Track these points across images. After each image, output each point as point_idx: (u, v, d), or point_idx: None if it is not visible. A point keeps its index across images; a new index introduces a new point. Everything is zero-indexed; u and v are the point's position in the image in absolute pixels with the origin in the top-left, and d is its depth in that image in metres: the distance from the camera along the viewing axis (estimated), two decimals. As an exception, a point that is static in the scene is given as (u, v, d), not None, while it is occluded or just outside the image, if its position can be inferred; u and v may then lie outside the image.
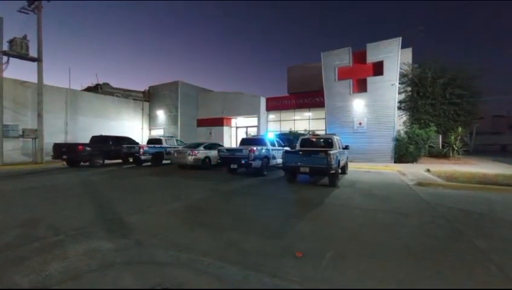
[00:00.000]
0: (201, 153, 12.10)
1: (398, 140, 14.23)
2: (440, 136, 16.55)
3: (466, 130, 16.62)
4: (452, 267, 2.83)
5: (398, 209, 5.10)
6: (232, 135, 23.41)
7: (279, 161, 10.96)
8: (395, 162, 14.22)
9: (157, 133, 23.48)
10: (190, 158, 11.72)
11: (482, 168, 11.19)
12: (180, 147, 13.39)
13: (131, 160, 13.96)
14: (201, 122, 23.64)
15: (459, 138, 15.33)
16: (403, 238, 3.61)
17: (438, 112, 15.90)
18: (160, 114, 23.78)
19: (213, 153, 12.31)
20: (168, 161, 13.70)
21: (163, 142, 14.43)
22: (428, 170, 10.31)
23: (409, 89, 16.58)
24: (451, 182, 7.79)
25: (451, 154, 15.06)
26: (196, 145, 12.71)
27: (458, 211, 4.99)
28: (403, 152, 14.13)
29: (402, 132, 14.67)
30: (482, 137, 34.94)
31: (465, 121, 16.00)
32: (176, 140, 15.85)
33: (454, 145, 15.08)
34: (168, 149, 14.04)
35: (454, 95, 15.70)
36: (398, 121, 15.64)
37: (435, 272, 2.73)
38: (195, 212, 4.84)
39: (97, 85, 25.67)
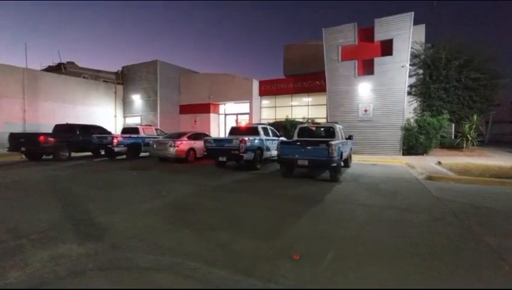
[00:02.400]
0: (184, 144, 12.08)
1: (407, 129, 14.48)
2: (453, 125, 16.91)
3: (482, 118, 17.04)
4: (462, 268, 2.96)
5: (405, 206, 5.25)
6: (221, 124, 23.36)
7: (274, 152, 11.01)
8: (403, 154, 14.53)
9: (133, 121, 23.22)
10: (172, 150, 11.69)
11: (498, 161, 11.56)
12: (161, 138, 13.32)
13: (102, 152, 13.79)
14: (185, 109, 23.46)
15: (474, 127, 15.69)
16: (410, 237, 3.74)
17: (451, 97, 16.19)
18: (137, 99, 23.43)
19: (198, 144, 12.30)
20: (147, 154, 13.65)
21: (141, 131, 14.30)
22: (439, 163, 10.59)
23: (421, 71, 16.77)
24: (464, 175, 8.04)
25: (464, 145, 15.45)
26: (179, 135, 12.67)
27: (470, 207, 5.17)
28: (413, 143, 14.43)
29: (412, 120, 14.92)
30: (499, 126, 35.87)
31: (481, 108, 16.37)
32: (156, 129, 15.74)
33: (468, 135, 15.45)
34: (146, 140, 13.98)
35: (469, 78, 15.97)
36: (408, 108, 15.87)
37: (443, 274, 2.85)
38: (179, 211, 4.86)
39: (60, 64, 24.93)
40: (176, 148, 11.72)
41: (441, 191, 6.54)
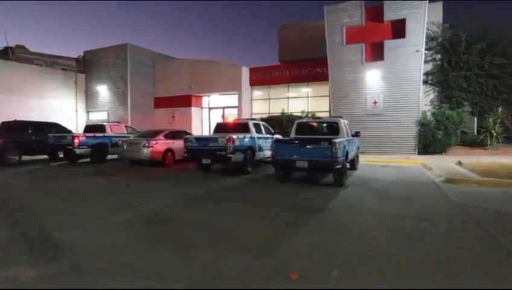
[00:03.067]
0: (160, 144, 12.04)
1: (423, 124, 14.73)
2: (475, 119, 17.25)
3: (508, 111, 17.38)
4: (488, 286, 3.02)
5: (421, 214, 5.33)
6: (204, 119, 23.33)
7: (268, 153, 11.04)
8: (418, 153, 14.78)
9: (99, 117, 22.96)
10: (145, 151, 11.65)
11: (527, 160, 11.85)
12: (132, 137, 13.27)
13: (61, 155, 13.58)
14: (161, 102, 23.34)
15: (499, 121, 16.02)
16: (427, 250, 3.80)
17: (473, 87, 16.51)
18: (102, 90, 23.17)
19: (177, 144, 12.25)
20: (115, 156, 13.53)
21: (108, 129, 14.18)
22: (459, 163, 10.81)
23: (438, 56, 17.05)
24: (488, 177, 8.23)
25: (488, 142, 15.76)
26: (154, 134, 12.64)
27: (495, 214, 5.30)
28: (429, 140, 14.69)
29: (428, 114, 15.18)
30: (527, 120, 36.77)
31: (507, 99, 16.72)
32: (126, 127, 15.66)
33: (492, 131, 15.76)
34: (114, 139, 13.92)
35: (494, 65, 16.30)
36: (424, 100, 16.13)
37: (466, 292, 2.90)
38: (155, 225, 4.83)
39: (7, 48, 24.34)
40: (151, 149, 11.67)
41: (462, 196, 6.66)
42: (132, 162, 12.58)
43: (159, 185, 8.35)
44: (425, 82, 16.46)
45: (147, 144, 11.70)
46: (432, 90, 17.02)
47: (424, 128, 14.74)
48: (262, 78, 21.36)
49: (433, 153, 14.63)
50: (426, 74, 16.60)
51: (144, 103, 23.01)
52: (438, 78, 16.93)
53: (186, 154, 10.62)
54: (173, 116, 22.90)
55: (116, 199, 6.57)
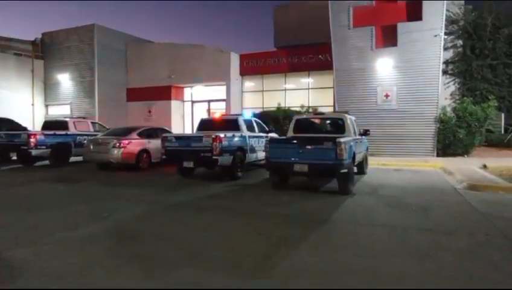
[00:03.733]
0: (134, 144, 12.01)
1: (442, 121, 14.88)
2: (502, 116, 17.50)
3: (540, 106, 17.65)
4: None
5: (439, 227, 5.38)
6: (186, 115, 23.26)
7: (262, 155, 11.05)
8: (437, 154, 14.92)
9: (60, 112, 22.67)
10: (116, 153, 11.60)
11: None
12: (100, 135, 13.20)
13: (14, 157, 13.38)
14: (135, 95, 23.24)
15: (530, 117, 16.28)
16: (447, 269, 3.82)
17: (500, 78, 16.73)
18: (65, 80, 22.94)
19: (154, 144, 12.19)
20: (80, 158, 13.40)
21: (71, 126, 14.06)
22: (484, 166, 10.94)
23: (460, 43, 17.24)
24: (518, 183, 8.32)
25: (518, 142, 16.00)
26: (126, 132, 12.62)
27: (526, 227, 5.36)
28: (450, 140, 14.84)
29: (448, 109, 15.34)
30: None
31: (539, 93, 17.00)
32: (93, 123, 15.54)
33: (523, 129, 16.00)
34: (78, 138, 13.82)
35: (525, 52, 16.52)
36: (444, 93, 16.29)
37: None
38: (126, 240, 4.80)
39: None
40: (122, 149, 11.61)
41: (487, 205, 6.74)
42: (100, 165, 12.49)
43: (131, 192, 8.28)
44: (444, 72, 16.63)
45: (117, 144, 11.63)
46: (453, 82, 17.21)
47: (444, 126, 14.88)
48: (254, 66, 21.36)
49: (454, 154, 14.79)
50: (446, 62, 16.78)
51: (115, 95, 22.83)
52: (459, 68, 17.11)
53: (164, 156, 10.53)
54: (149, 111, 22.79)
55: (81, 210, 6.50)
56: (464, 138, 14.70)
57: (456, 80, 17.21)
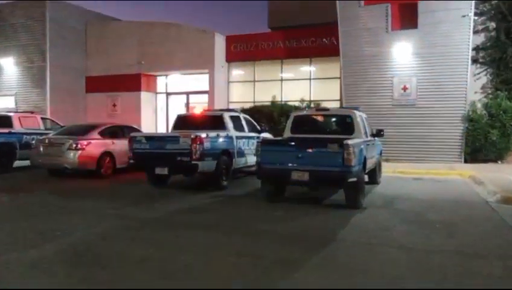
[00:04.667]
0: (95, 145, 11.96)
1: (472, 120, 14.98)
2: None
3: None
4: None
5: (468, 248, 5.40)
6: (160, 109, 23.23)
7: (252, 159, 11.04)
8: (465, 160, 15.04)
9: (2, 104, 22.36)
10: (73, 156, 11.53)
11: None
12: (52, 134, 13.11)
13: None
14: (96, 84, 23.09)
15: None
16: (477, 300, 3.85)
17: (541, 68, 16.89)
18: (8, 65, 22.73)
19: (120, 146, 12.17)
20: (27, 162, 13.30)
21: (15, 123, 13.95)
22: (522, 175, 11.05)
23: (492, 25, 17.37)
24: (561, 196, 8.40)
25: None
26: (85, 130, 12.57)
27: None
28: (480, 142, 14.94)
29: (479, 105, 15.46)
30: None
31: None
32: (43, 119, 15.44)
33: None
34: (25, 138, 13.74)
35: None
36: (473, 85, 16.37)
37: None
38: (85, 264, 4.75)
39: None
40: (80, 152, 11.53)
41: (525, 222, 6.81)
42: (52, 171, 12.40)
43: (91, 205, 8.20)
44: (474, 61, 16.75)
45: (74, 146, 11.53)
46: (484, 72, 17.33)
47: (473, 125, 14.99)
48: (244, 51, 21.37)
49: (485, 160, 14.92)
50: (476, 49, 16.89)
51: (71, 85, 22.65)
52: (492, 56, 17.24)
53: (132, 161, 10.48)
54: (114, 105, 22.71)
55: (28, 227, 6.40)
56: (497, 141, 14.80)
57: (488, 70, 17.33)
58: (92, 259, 4.93)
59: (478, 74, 17.10)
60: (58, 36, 22.06)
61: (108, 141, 12.34)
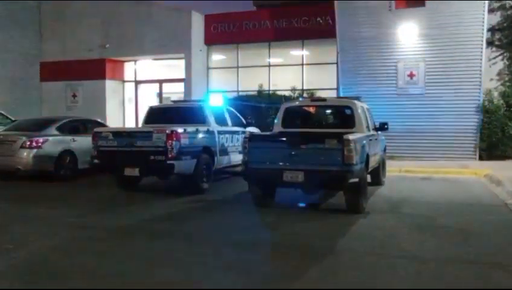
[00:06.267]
0: (53, 143, 11.90)
1: (487, 112, 15.10)
2: None
3: None
4: None
5: (486, 257, 5.44)
6: (128, 100, 23.14)
7: (238, 158, 11.02)
8: (480, 157, 15.17)
9: None
10: (27, 156, 11.49)
11: None
12: (1, 130, 13.09)
13: None
14: (53, 71, 22.90)
15: None
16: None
17: None
18: None
19: (82, 143, 12.13)
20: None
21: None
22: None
23: (509, 3, 17.49)
24: None
25: None
26: (41, 126, 12.51)
27: None
28: (497, 137, 15.10)
29: (495, 94, 15.59)
30: None
31: None
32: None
33: None
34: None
35: None
36: (489, 71, 16.42)
37: None
38: (40, 282, 4.65)
39: None
40: (35, 151, 11.47)
41: (550, 227, 6.89)
42: (2, 174, 12.20)
43: (49, 213, 8.09)
44: (489, 43, 16.87)
45: (28, 143, 11.47)
46: (501, 57, 17.47)
47: (489, 117, 15.13)
48: (226, 32, 21.30)
49: (502, 157, 15.09)
50: (491, 29, 17.02)
51: (23, 72, 22.39)
52: (509, 37, 17.39)
53: (96, 161, 10.40)
54: (74, 95, 22.54)
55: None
56: (516, 134, 14.98)
57: (505, 54, 17.47)
58: (48, 276, 4.84)
59: (494, 58, 17.23)
60: (5, 15, 21.74)
61: (68, 138, 12.27)
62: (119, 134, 10.43)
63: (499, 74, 17.22)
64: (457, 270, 5.01)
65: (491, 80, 16.60)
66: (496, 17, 17.32)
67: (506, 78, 17.05)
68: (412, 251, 5.72)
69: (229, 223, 7.57)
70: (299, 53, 20.82)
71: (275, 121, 9.93)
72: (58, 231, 6.82)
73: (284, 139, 8.31)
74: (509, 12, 17.49)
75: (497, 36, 17.46)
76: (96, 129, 10.76)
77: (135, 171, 9.86)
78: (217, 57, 22.23)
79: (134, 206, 8.79)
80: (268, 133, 10.11)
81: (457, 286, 4.54)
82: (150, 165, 9.72)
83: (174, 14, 20.98)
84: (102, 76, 22.07)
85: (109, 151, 10.12)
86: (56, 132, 12.17)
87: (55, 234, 6.59)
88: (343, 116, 9.48)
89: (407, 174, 12.92)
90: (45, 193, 10.30)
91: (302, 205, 8.40)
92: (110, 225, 7.22)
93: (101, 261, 5.36)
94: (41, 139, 11.62)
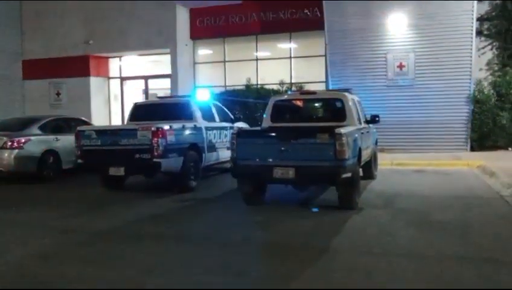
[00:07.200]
0: (35, 142, 11.88)
1: (478, 102, 15.14)
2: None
3: None
4: None
5: (486, 253, 5.36)
6: (113, 98, 23.16)
7: (226, 154, 10.99)
8: (472, 148, 15.25)
9: None
10: (8, 156, 11.49)
11: None
12: None
13: None
14: (36, 69, 22.86)
15: None
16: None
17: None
18: None
19: (65, 143, 12.14)
20: None
21: None
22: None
23: (499, -8, 17.55)
24: None
25: None
26: (23, 125, 12.53)
27: None
28: (488, 127, 15.14)
29: (486, 84, 15.63)
30: None
31: None
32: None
33: None
34: None
35: None
36: (478, 61, 16.60)
37: None
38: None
39: None
40: (16, 151, 11.42)
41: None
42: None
43: (31, 216, 8.03)
44: (479, 32, 16.95)
45: (9, 144, 11.43)
46: (490, 46, 17.61)
47: (480, 107, 15.19)
48: (212, 25, 21.24)
49: (494, 147, 15.17)
50: (480, 19, 17.09)
51: (4, 70, 22.24)
52: (497, 27, 17.48)
53: (80, 160, 10.33)
54: (58, 93, 22.46)
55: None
56: (507, 125, 15.04)
57: (494, 44, 17.57)
58: (29, 284, 4.72)
59: (483, 48, 17.34)
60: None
61: (52, 137, 12.26)
62: (102, 132, 10.40)
63: (488, 64, 17.38)
64: (456, 267, 4.94)
65: (480, 69, 16.79)
66: (485, 6, 17.45)
67: (496, 68, 17.12)
68: (409, 248, 5.66)
69: (218, 222, 7.50)
70: (286, 46, 20.80)
71: (264, 115, 9.92)
72: (39, 235, 6.69)
73: (274, 134, 8.24)
74: (497, 1, 17.54)
75: (485, 26, 17.57)
76: (79, 128, 10.72)
77: (120, 171, 9.83)
78: (203, 51, 22.18)
79: (120, 207, 8.73)
80: (257, 128, 10.02)
81: (458, 286, 4.44)
82: (136, 164, 9.69)
83: (159, 8, 20.80)
84: (86, 73, 21.99)
85: (93, 150, 10.10)
86: (38, 132, 12.14)
87: (37, 239, 6.48)
88: (334, 109, 9.45)
89: (399, 167, 12.94)
90: (27, 195, 10.23)
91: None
92: (94, 227, 7.11)
93: (83, 268, 5.21)
94: (22, 139, 11.59)
